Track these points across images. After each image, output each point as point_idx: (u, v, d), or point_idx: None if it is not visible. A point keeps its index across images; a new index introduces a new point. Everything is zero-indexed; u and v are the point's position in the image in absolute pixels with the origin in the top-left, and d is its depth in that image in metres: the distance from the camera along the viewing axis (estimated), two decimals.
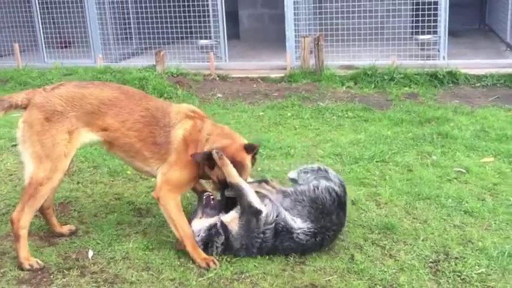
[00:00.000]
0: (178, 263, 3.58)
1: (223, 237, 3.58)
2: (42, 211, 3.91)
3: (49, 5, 10.27)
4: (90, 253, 3.73)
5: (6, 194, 4.64)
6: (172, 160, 3.66)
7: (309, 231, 3.55)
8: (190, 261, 3.57)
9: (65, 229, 3.99)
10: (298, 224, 3.56)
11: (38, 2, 10.10)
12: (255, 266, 3.53)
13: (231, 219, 3.62)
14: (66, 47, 10.87)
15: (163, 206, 3.67)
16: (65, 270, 3.53)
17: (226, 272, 3.46)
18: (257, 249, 3.57)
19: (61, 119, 3.53)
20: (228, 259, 3.57)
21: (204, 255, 3.57)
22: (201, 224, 3.67)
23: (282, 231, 3.54)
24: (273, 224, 3.53)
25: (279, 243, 3.56)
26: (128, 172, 5.09)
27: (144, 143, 3.68)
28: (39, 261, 3.56)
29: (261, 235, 3.54)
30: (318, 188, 3.65)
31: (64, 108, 3.55)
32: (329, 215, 3.59)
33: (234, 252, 3.60)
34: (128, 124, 3.66)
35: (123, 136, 3.67)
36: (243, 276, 3.43)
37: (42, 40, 10.31)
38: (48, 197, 3.80)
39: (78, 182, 4.91)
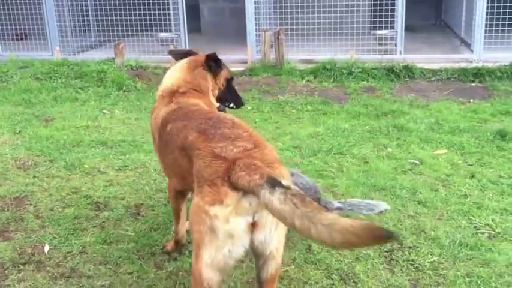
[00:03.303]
0: (137, 256, 3.57)
1: None
2: None
3: None
4: (46, 247, 3.69)
5: None
6: None
7: None
8: (148, 255, 3.57)
9: None
10: None
11: None
12: None
13: None
14: (22, 39, 10.59)
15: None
16: (20, 265, 3.49)
17: (185, 265, 3.47)
18: None
19: None
20: (187, 252, 3.58)
21: None
22: None
23: None
24: None
25: None
26: (86, 166, 5.03)
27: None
28: None
29: None
30: None
31: None
32: None
33: None
34: None
35: None
36: None
37: None
38: None
39: (34, 176, 4.82)
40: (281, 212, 2.25)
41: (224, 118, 2.89)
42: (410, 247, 3.66)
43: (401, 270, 3.44)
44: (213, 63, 3.60)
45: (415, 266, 3.47)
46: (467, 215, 4.04)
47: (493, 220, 3.94)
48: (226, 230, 2.43)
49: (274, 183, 2.29)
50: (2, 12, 10.09)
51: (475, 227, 3.89)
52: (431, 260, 3.52)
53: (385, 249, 3.64)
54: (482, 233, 3.80)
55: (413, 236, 3.79)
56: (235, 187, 2.41)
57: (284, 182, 2.32)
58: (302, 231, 2.23)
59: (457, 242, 3.67)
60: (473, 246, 3.62)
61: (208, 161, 2.56)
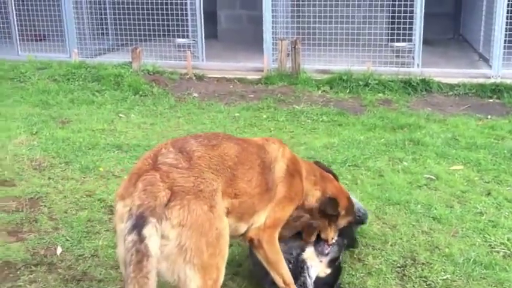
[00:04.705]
0: None
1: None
2: None
3: None
4: (59, 250, 3.70)
5: None
6: (281, 196, 3.07)
7: None
8: None
9: None
10: None
11: None
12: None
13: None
14: (41, 40, 10.70)
15: (266, 250, 3.04)
16: (32, 266, 3.50)
17: None
18: None
19: (217, 197, 2.60)
20: None
21: None
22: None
23: None
24: None
25: None
26: (101, 169, 5.05)
27: (261, 196, 2.95)
28: None
29: None
30: None
31: (216, 182, 2.63)
32: None
33: None
34: (253, 182, 2.89)
35: (249, 198, 2.87)
36: None
37: (17, 32, 10.14)
38: None
39: (49, 178, 4.85)
40: (124, 255, 2.31)
41: None
42: (423, 263, 3.63)
43: (414, 286, 3.41)
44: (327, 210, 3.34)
45: (427, 283, 3.44)
46: (482, 233, 4.00)
47: (508, 239, 3.89)
48: (120, 229, 2.43)
49: (138, 224, 2.30)
50: (22, 13, 10.19)
51: (490, 245, 3.84)
52: (444, 277, 3.49)
53: (398, 264, 3.62)
54: (497, 252, 3.76)
55: (426, 252, 3.76)
56: None
57: (146, 230, 2.29)
58: None
59: (471, 260, 3.63)
60: (488, 265, 3.58)
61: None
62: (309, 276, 3.20)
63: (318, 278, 3.23)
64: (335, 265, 3.28)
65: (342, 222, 3.42)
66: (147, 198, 2.36)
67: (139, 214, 2.32)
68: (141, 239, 2.27)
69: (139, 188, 2.40)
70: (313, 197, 3.32)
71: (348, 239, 3.57)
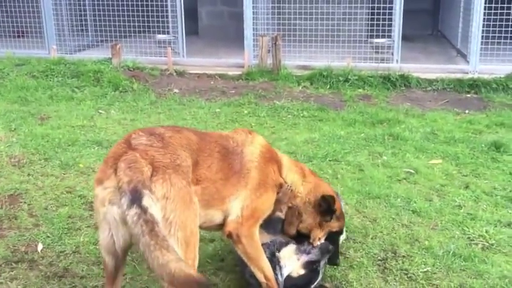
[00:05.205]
0: (130, 258, 3.55)
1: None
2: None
3: None
4: (40, 246, 3.68)
5: None
6: (255, 183, 3.02)
7: None
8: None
9: None
10: None
11: None
12: (207, 262, 3.55)
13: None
14: (19, 36, 10.56)
15: (245, 245, 2.99)
16: (13, 263, 3.48)
17: None
18: None
19: (191, 174, 2.72)
20: None
21: None
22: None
23: None
24: None
25: None
26: (81, 165, 5.02)
27: (226, 181, 2.93)
28: None
29: None
30: None
31: (189, 160, 2.74)
32: None
33: None
34: (214, 168, 2.91)
35: (211, 183, 2.88)
36: None
37: None
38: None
39: (28, 174, 4.81)
40: (131, 231, 2.34)
41: None
42: (403, 256, 3.68)
43: (395, 279, 3.45)
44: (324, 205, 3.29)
45: (408, 275, 3.48)
46: (461, 226, 4.06)
47: (486, 231, 3.96)
48: (103, 212, 2.49)
49: (135, 198, 2.35)
50: (0, 9, 10.04)
51: (469, 238, 3.91)
52: (425, 269, 3.53)
53: (379, 257, 3.66)
54: (476, 244, 3.82)
55: (407, 245, 3.81)
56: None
57: (145, 201, 2.36)
58: (144, 258, 2.34)
59: (451, 252, 3.69)
60: (467, 257, 3.64)
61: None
62: (281, 275, 3.11)
63: (288, 277, 3.10)
64: (311, 268, 3.14)
65: (335, 225, 3.36)
66: (134, 174, 2.41)
67: (133, 188, 2.37)
68: (144, 210, 2.34)
69: (123, 167, 2.45)
70: (305, 189, 3.27)
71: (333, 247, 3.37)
